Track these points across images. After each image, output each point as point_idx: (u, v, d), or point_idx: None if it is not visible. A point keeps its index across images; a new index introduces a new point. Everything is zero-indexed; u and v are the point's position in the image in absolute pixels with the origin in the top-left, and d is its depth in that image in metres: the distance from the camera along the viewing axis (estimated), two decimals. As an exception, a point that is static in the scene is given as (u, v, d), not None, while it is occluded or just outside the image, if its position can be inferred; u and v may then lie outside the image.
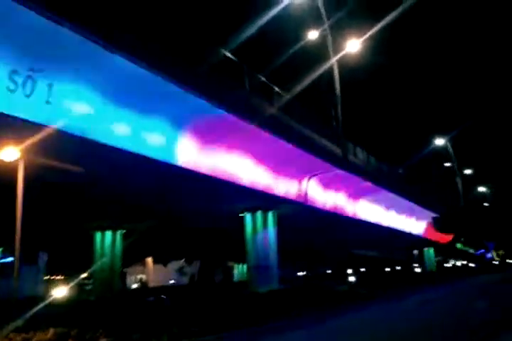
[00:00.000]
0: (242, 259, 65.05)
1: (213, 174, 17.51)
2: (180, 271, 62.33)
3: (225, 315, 14.40)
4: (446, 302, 21.16)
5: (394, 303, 21.79)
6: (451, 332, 12.15)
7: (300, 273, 58.09)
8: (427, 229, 49.04)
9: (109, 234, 28.34)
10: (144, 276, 59.02)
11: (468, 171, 68.40)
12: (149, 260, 57.27)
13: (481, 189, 77.34)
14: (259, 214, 23.61)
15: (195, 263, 63.36)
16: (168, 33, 14.54)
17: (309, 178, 23.37)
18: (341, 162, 23.16)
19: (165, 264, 62.44)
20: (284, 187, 22.00)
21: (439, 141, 59.53)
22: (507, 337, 11.09)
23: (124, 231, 29.36)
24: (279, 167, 21.13)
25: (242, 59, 17.90)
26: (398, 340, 11.25)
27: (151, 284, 53.00)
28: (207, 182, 18.05)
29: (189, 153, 16.33)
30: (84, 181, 17.09)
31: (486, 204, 77.30)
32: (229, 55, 17.09)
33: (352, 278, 29.27)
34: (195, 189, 19.55)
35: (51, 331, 10.55)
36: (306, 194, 23.52)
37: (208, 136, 16.77)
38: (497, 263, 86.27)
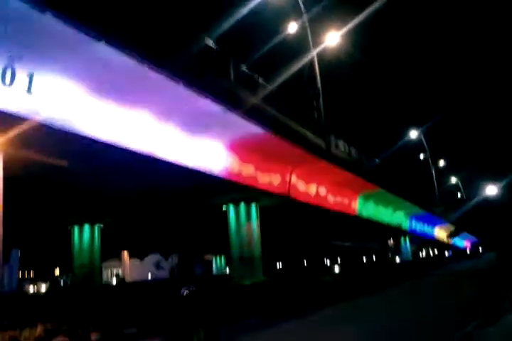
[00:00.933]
0: (220, 252, 65.11)
1: (198, 167, 17.27)
2: (158, 266, 61.76)
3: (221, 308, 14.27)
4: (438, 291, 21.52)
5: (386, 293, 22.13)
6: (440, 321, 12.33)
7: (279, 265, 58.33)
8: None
9: (87, 227, 27.81)
10: (119, 271, 58.19)
11: (441, 163, 69.93)
12: (125, 254, 56.47)
13: (453, 180, 79.32)
14: (242, 206, 23.48)
15: (172, 257, 62.98)
16: (148, 21, 14.14)
17: (293, 170, 23.26)
18: (324, 154, 23.13)
19: (141, 258, 61.81)
20: (268, 179, 21.84)
21: (414, 133, 60.57)
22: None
23: (102, 225, 28.93)
24: (265, 159, 20.96)
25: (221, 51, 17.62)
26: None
27: (128, 279, 52.29)
28: (191, 176, 17.76)
29: (175, 146, 16.03)
30: (63, 174, 16.68)
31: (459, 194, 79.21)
32: (212, 44, 16.76)
33: (336, 269, 29.46)
34: (179, 183, 19.27)
35: (40, 327, 10.18)
36: (289, 186, 23.42)
37: (194, 127, 16.51)
38: (469, 252, 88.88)
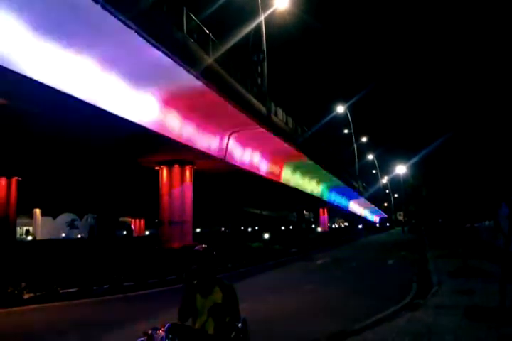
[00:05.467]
0: (139, 215, 63.75)
1: (138, 121, 16.32)
2: (72, 225, 59.47)
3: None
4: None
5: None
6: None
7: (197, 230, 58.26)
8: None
9: (2, 180, 25.81)
10: (30, 228, 55.35)
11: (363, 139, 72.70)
12: (37, 212, 53.65)
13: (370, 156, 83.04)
14: (176, 168, 22.82)
15: (88, 217, 60.86)
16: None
17: (231, 134, 22.84)
18: (265, 120, 22.85)
19: (54, 217, 59.16)
20: (206, 141, 21.28)
21: (341, 108, 61.89)
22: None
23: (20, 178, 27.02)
24: (205, 120, 20.33)
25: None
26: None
27: (39, 237, 49.86)
28: (127, 129, 16.76)
29: (114, 96, 14.94)
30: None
31: (374, 171, 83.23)
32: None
33: (266, 236, 29.95)
34: (110, 136, 18.17)
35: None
36: (226, 150, 23.03)
37: (138, 79, 15.51)
38: (378, 226, 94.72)
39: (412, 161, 57.59)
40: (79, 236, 57.61)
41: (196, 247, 3.78)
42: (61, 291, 10.90)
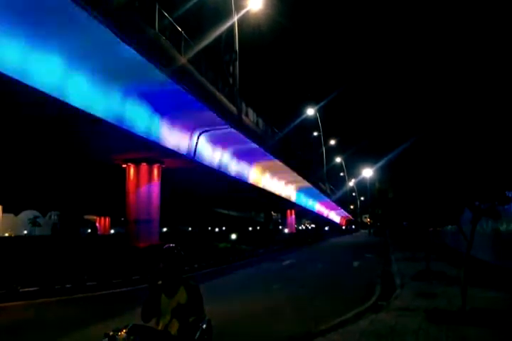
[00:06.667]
0: (104, 212, 62.56)
1: (107, 119, 16.03)
2: (34, 222, 57.97)
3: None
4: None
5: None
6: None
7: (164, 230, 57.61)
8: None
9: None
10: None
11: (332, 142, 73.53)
12: (-1, 208, 52.09)
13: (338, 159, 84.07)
14: (144, 166, 22.50)
15: (51, 214, 59.47)
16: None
17: (201, 133, 22.69)
18: (236, 120, 22.80)
19: (16, 214, 57.55)
20: (176, 140, 21.07)
21: (310, 111, 62.43)
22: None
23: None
24: (175, 119, 20.14)
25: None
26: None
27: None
28: (99, 126, 16.46)
29: (83, 92, 14.64)
30: None
31: (341, 174, 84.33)
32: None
33: (233, 236, 29.81)
34: (81, 133, 17.79)
35: None
36: (195, 149, 22.85)
37: (106, 75, 15.23)
38: (344, 228, 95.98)
39: (379, 165, 58.49)
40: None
41: (164, 246, 3.73)
42: (21, 290, 10.60)
